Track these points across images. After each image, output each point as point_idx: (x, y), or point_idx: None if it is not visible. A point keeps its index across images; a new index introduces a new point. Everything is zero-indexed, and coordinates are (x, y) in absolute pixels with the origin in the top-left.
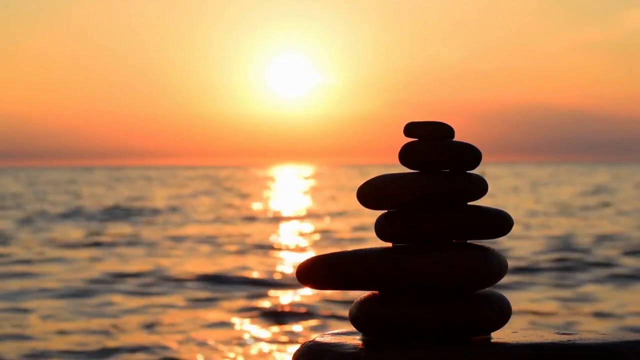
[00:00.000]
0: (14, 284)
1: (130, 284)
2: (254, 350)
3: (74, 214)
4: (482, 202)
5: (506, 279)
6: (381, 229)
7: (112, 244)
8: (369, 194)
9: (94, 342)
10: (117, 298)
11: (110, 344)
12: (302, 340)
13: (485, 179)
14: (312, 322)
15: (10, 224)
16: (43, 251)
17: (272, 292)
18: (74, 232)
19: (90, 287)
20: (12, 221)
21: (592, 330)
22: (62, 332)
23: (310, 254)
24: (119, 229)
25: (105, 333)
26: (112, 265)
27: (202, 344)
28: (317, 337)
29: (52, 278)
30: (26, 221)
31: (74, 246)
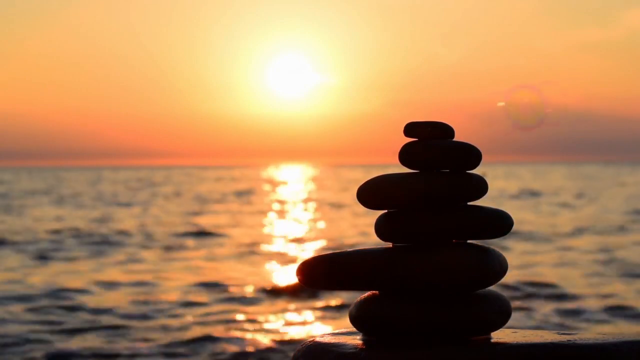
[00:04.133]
0: None
1: None
2: None
3: None
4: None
5: None
6: (381, 229)
7: None
8: (369, 194)
9: None
10: None
11: None
12: None
13: (486, 179)
14: None
15: None
16: None
17: None
18: None
19: None
20: None
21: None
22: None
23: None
24: None
25: None
26: None
27: None
28: (317, 337)
29: None
30: None
31: None
